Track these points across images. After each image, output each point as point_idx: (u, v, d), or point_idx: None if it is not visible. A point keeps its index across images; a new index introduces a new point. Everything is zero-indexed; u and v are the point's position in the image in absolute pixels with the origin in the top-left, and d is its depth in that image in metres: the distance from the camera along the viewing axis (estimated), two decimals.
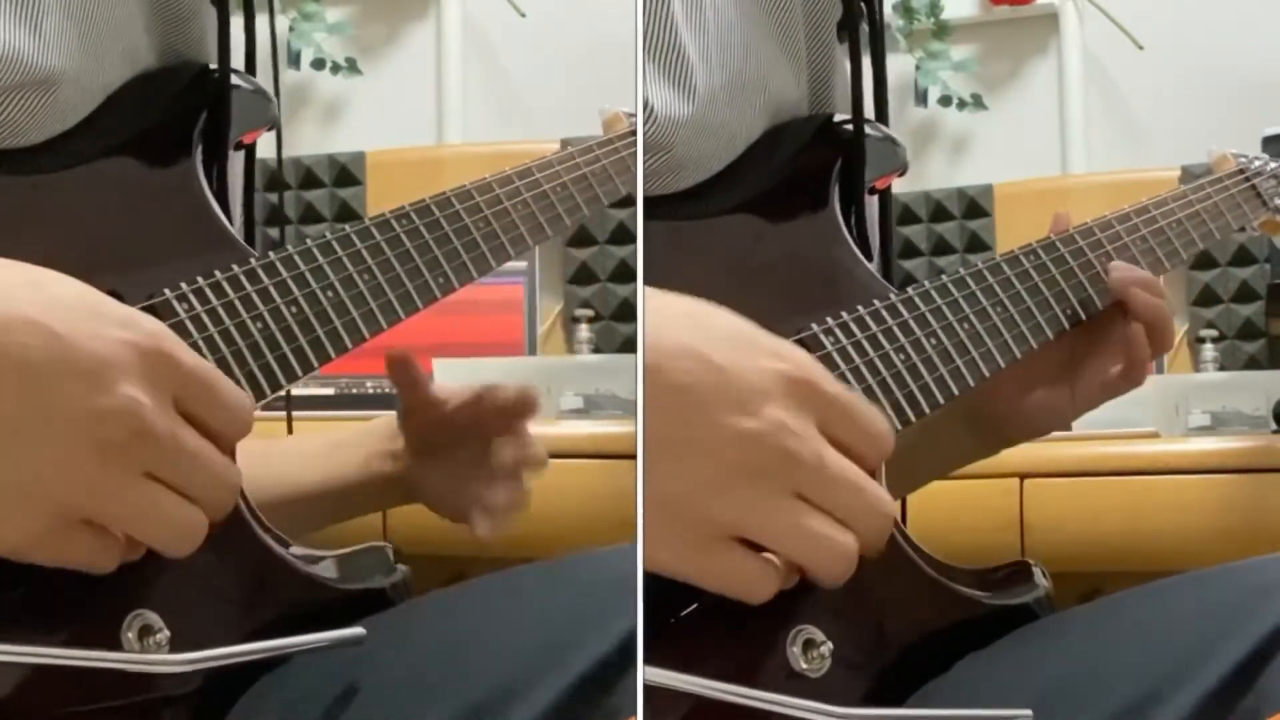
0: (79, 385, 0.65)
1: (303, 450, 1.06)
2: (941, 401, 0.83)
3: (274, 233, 1.02)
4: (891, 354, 0.82)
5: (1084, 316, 0.93)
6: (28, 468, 0.64)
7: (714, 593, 0.69)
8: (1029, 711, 0.71)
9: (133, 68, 0.86)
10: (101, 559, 0.67)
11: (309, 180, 2.53)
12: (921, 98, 2.67)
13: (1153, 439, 1.80)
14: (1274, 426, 1.85)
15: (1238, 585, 0.75)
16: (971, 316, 0.86)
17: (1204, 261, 2.38)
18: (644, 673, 0.65)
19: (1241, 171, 1.15)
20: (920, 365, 0.83)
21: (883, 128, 0.95)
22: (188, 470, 0.68)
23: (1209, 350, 2.26)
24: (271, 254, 0.79)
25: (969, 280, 0.88)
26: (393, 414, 1.04)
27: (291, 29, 2.64)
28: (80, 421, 0.65)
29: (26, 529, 0.65)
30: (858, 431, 0.70)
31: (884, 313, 0.83)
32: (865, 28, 0.95)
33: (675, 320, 0.69)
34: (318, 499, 1.03)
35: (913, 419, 0.81)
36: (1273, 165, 1.19)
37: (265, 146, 0.98)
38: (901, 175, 0.97)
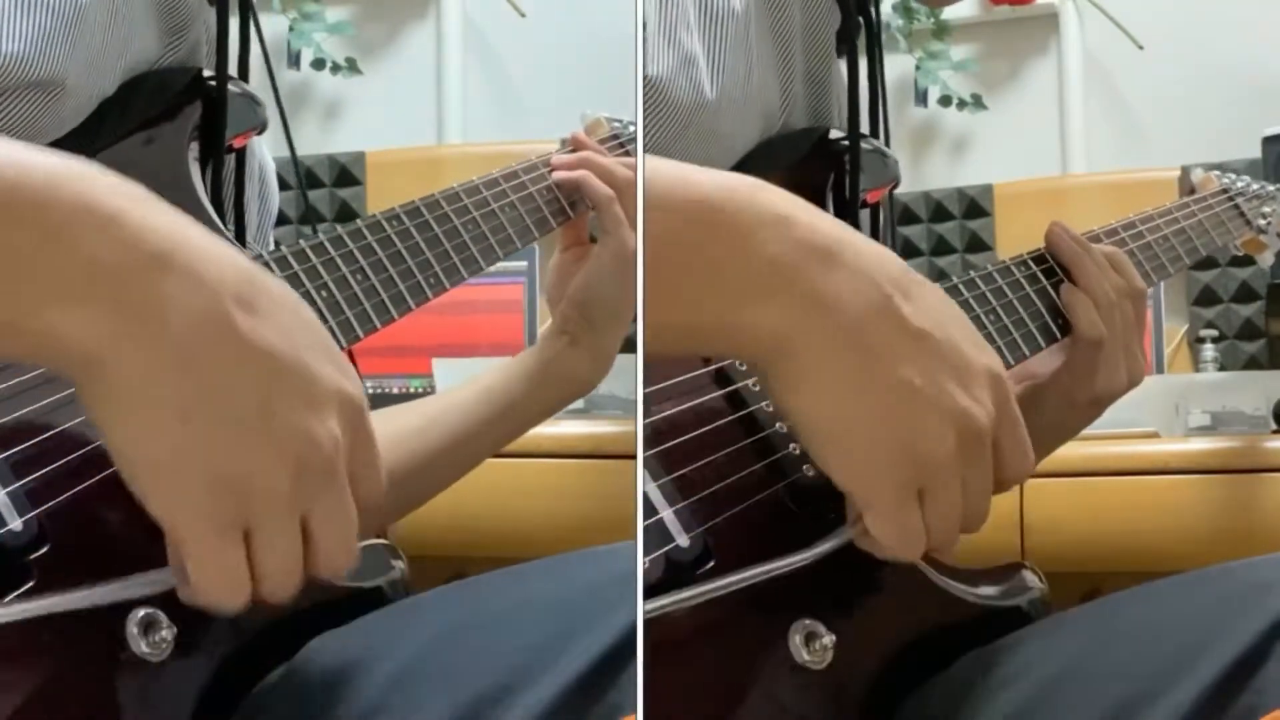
0: (303, 399, 0.62)
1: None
2: None
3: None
4: None
5: (1059, 336, 0.93)
6: (230, 445, 0.60)
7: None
8: None
9: (128, 72, 0.86)
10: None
11: (309, 180, 2.52)
12: (921, 98, 2.67)
13: (1152, 439, 1.79)
14: (1274, 426, 1.85)
15: (1235, 583, 0.76)
16: None
17: (1204, 262, 2.36)
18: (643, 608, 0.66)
19: (1225, 191, 1.17)
20: None
21: (874, 141, 0.96)
22: (332, 530, 0.63)
23: (1209, 350, 2.26)
24: (265, 255, 0.79)
25: (962, 288, 0.88)
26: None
27: (291, 29, 2.64)
28: (292, 429, 0.61)
29: (193, 502, 0.60)
30: (1017, 452, 0.73)
31: None
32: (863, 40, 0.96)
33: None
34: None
35: None
36: (1255, 186, 1.21)
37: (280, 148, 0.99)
38: (894, 188, 0.98)
